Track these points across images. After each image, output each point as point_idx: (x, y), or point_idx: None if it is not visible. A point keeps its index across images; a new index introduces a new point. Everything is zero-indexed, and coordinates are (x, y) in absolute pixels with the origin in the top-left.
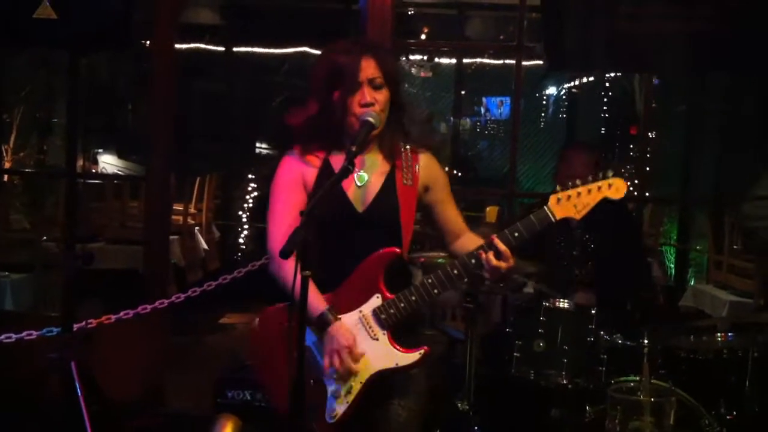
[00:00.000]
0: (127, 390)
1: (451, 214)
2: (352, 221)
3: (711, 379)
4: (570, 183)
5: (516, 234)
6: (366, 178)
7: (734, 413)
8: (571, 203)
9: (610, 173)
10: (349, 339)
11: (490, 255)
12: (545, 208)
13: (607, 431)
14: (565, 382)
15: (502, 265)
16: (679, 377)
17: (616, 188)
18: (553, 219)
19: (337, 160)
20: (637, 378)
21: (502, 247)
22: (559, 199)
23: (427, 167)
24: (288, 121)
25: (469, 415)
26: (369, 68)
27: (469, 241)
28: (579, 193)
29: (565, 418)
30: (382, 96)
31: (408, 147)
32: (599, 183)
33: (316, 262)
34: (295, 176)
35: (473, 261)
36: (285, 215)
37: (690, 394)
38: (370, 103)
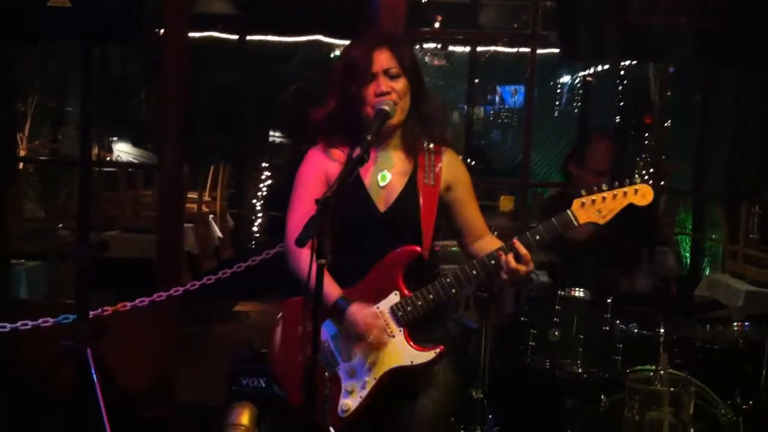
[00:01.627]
0: (139, 379)
1: (471, 215)
2: (374, 221)
3: (727, 369)
4: (595, 188)
5: (537, 237)
6: (388, 177)
7: (750, 403)
8: (595, 208)
9: (637, 179)
10: (367, 317)
11: (510, 257)
12: (569, 212)
13: (626, 421)
14: (580, 371)
15: (522, 268)
16: (695, 367)
17: (642, 194)
18: (576, 223)
19: None
20: (653, 367)
21: (522, 250)
22: (583, 203)
23: (449, 166)
24: (310, 117)
25: (483, 404)
26: (384, 59)
27: (489, 244)
28: (604, 198)
29: (580, 407)
30: (399, 85)
31: (431, 146)
32: (625, 188)
33: (338, 259)
34: (318, 170)
35: (493, 262)
36: (304, 209)
37: (705, 384)
38: (386, 92)
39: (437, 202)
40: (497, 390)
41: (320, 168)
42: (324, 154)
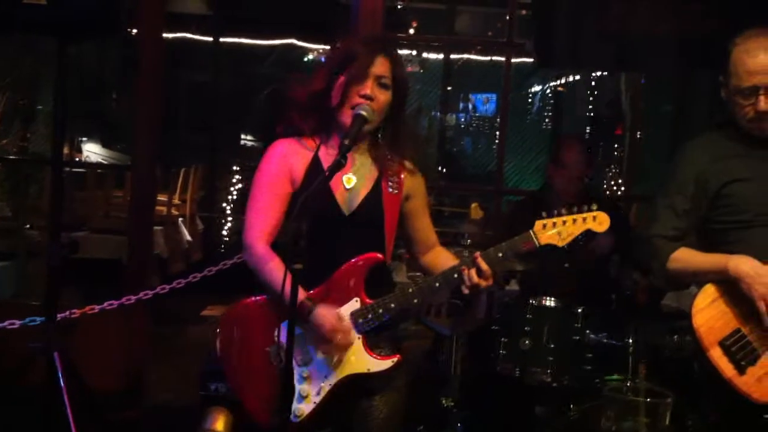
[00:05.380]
0: (109, 381)
1: (425, 226)
2: (337, 223)
3: (694, 378)
4: (555, 211)
5: (500, 254)
6: (354, 180)
7: (717, 413)
8: (556, 230)
9: (594, 206)
10: (332, 319)
11: (472, 272)
12: (531, 233)
13: (602, 430)
14: (549, 380)
15: (482, 283)
16: (663, 376)
17: (599, 222)
18: (536, 244)
19: (326, 156)
20: (623, 377)
21: (484, 266)
22: (544, 225)
23: (410, 177)
24: (290, 91)
25: (452, 412)
26: (382, 67)
27: (439, 256)
28: (564, 222)
29: (550, 415)
30: (384, 97)
31: (395, 156)
32: (584, 215)
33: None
34: (282, 167)
35: (455, 276)
36: (266, 207)
37: (673, 393)
38: (370, 96)
39: (399, 210)
40: (467, 397)
41: (285, 160)
42: (292, 146)
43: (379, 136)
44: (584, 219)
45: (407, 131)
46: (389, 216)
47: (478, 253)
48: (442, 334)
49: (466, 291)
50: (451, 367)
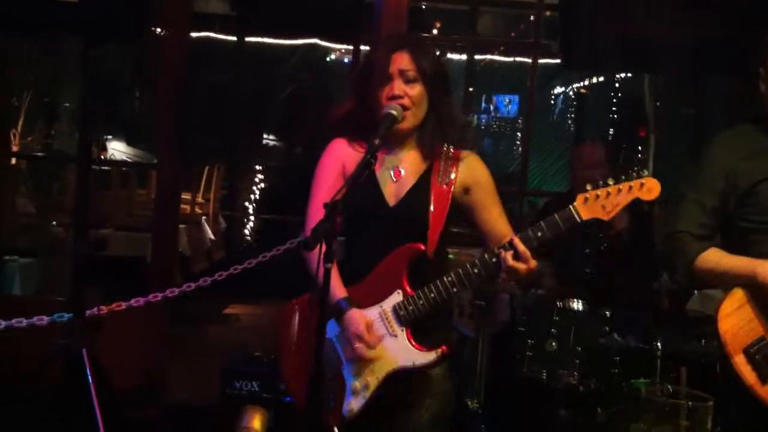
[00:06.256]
0: (129, 379)
1: (492, 219)
2: (381, 214)
3: (719, 384)
4: (600, 182)
5: (539, 233)
6: (403, 174)
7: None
8: (599, 203)
9: (645, 172)
10: (360, 326)
11: (508, 255)
12: (571, 207)
13: None
14: (576, 382)
15: (521, 266)
16: (689, 381)
17: (648, 188)
18: (578, 219)
19: (379, 156)
20: (650, 380)
21: (521, 247)
22: (586, 199)
23: (468, 168)
24: (329, 117)
25: (477, 413)
26: (401, 61)
27: None
28: (609, 193)
29: (575, 418)
30: (414, 90)
31: (450, 151)
32: (631, 183)
33: (346, 252)
34: (337, 164)
35: (494, 260)
36: (319, 199)
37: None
38: (399, 95)
39: (449, 203)
40: (492, 399)
41: (338, 159)
42: (348, 144)
43: (425, 127)
44: (630, 187)
45: (453, 120)
46: (435, 208)
47: (515, 235)
48: (466, 335)
49: (504, 276)
50: (475, 369)
